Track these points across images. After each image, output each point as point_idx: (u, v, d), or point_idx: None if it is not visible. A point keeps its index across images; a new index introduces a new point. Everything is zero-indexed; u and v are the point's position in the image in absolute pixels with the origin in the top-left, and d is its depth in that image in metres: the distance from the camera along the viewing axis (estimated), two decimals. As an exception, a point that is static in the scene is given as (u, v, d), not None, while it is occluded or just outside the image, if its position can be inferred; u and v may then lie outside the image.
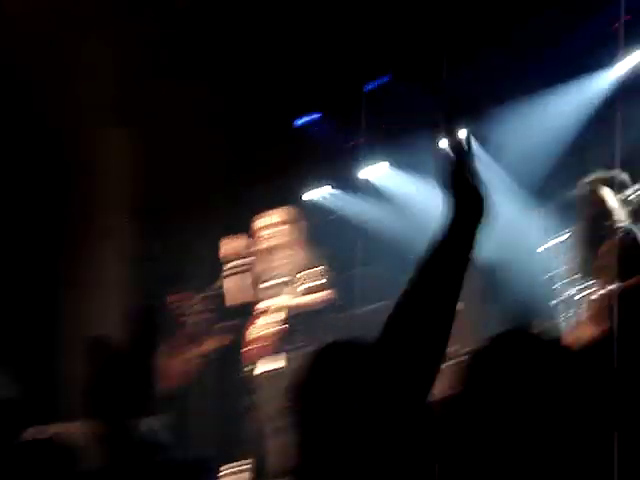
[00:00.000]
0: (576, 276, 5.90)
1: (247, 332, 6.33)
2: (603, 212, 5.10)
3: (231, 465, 6.17)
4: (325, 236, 8.98)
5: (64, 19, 7.56)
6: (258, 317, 6.26)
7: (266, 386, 6.17)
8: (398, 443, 1.42)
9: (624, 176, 5.18)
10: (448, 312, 1.48)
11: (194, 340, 7.49)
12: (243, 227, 6.64)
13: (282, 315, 6.11)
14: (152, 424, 1.55)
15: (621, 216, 5.06)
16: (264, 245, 6.31)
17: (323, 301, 6.22)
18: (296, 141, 9.00)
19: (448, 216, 1.72)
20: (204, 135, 8.96)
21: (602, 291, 4.99)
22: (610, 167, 5.23)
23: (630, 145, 5.24)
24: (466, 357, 1.36)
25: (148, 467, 1.34)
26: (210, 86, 8.18)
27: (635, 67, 6.82)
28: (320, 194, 9.64)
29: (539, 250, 6.60)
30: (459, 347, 6.35)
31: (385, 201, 9.15)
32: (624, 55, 6.79)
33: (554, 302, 6.25)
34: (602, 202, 5.10)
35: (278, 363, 6.09)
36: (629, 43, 6.41)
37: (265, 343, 6.18)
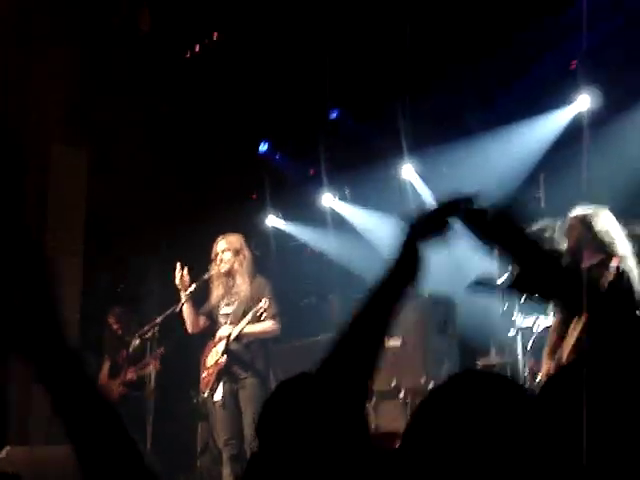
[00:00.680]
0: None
1: (203, 359, 6.30)
2: (579, 248, 5.15)
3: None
4: (280, 264, 9.00)
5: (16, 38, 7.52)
6: (213, 345, 6.23)
7: (217, 414, 6.15)
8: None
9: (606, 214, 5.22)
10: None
11: (135, 363, 7.44)
12: (198, 252, 6.62)
13: (230, 344, 6.07)
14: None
15: (623, 251, 5.09)
16: (216, 272, 6.28)
17: (270, 331, 6.19)
18: (257, 168, 9.02)
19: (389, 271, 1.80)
20: (162, 158, 8.94)
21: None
22: (573, 202, 5.29)
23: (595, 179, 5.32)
24: (423, 394, 1.36)
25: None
26: (169, 111, 8.17)
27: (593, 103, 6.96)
28: (279, 221, 9.66)
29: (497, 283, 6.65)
30: (415, 378, 6.44)
31: (341, 230, 9.19)
32: (583, 91, 6.92)
33: (511, 333, 6.31)
34: (578, 238, 5.14)
35: (221, 393, 6.07)
36: (586, 80, 6.55)
37: (214, 371, 6.15)
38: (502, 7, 6.87)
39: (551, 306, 6.05)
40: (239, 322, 6.13)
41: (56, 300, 1.29)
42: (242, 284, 6.25)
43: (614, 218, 5.21)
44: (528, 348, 6.02)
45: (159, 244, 9.39)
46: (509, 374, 6.31)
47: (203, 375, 6.28)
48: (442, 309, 6.67)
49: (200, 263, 6.44)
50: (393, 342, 6.60)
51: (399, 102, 7.55)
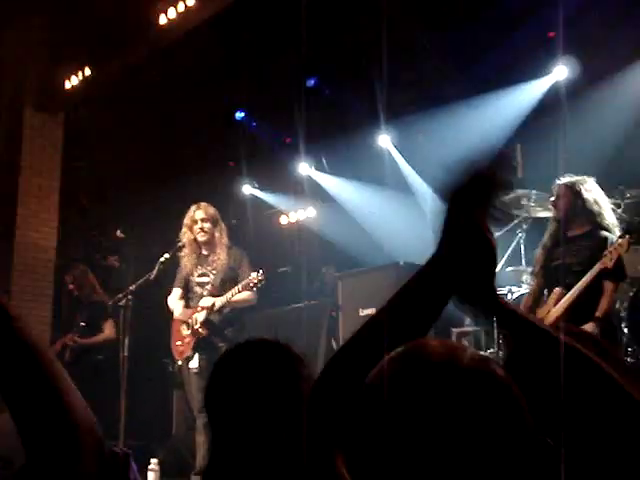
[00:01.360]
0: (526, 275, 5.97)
1: (177, 329, 6.29)
2: (568, 216, 5.16)
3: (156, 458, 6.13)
4: (255, 232, 8.98)
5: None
6: (191, 313, 6.22)
7: (193, 382, 6.16)
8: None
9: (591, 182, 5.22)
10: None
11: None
12: (175, 220, 6.57)
13: (206, 314, 6.07)
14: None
15: (610, 220, 5.10)
16: (188, 239, 6.25)
17: (249, 300, 6.19)
18: (233, 136, 8.96)
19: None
20: (138, 126, 8.87)
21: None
22: (554, 173, 5.29)
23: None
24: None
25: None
26: (145, 77, 8.07)
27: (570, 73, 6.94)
28: (255, 190, 9.64)
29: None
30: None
31: (317, 198, 9.18)
32: (561, 60, 6.91)
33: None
34: (567, 207, 5.14)
35: (197, 361, 6.09)
36: (564, 50, 6.53)
37: (191, 340, 6.15)
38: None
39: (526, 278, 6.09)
40: (218, 292, 6.12)
41: None
42: (221, 253, 6.23)
43: (599, 188, 5.23)
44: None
45: (135, 211, 9.35)
46: (484, 341, 6.36)
47: (178, 343, 6.28)
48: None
49: (177, 231, 6.40)
50: (367, 311, 6.62)
51: (376, 70, 7.50)
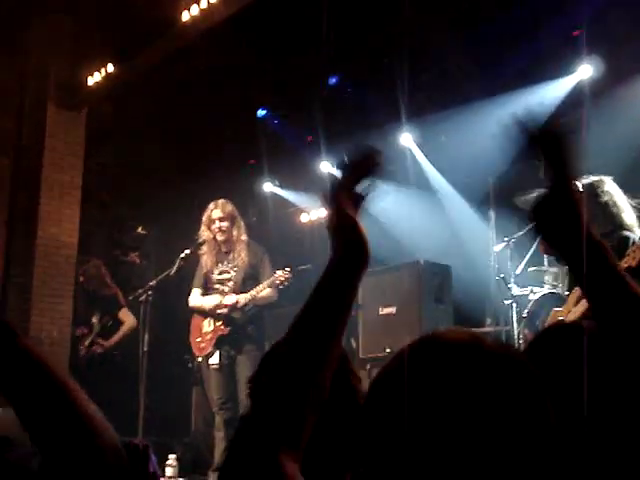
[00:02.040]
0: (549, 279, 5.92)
1: (198, 325, 6.30)
2: (588, 218, 5.08)
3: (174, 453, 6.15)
4: (276, 230, 8.98)
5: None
6: (209, 312, 6.23)
7: (213, 378, 6.17)
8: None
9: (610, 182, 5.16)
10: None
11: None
12: (196, 218, 6.58)
13: (229, 311, 6.08)
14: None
15: (630, 220, 5.04)
16: (207, 237, 6.26)
17: (271, 298, 6.20)
18: (255, 134, 8.96)
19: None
20: (160, 124, 8.89)
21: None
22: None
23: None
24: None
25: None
26: (167, 75, 8.09)
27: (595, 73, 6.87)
28: (276, 187, 9.63)
29: (492, 251, 6.64)
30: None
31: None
32: (585, 59, 6.84)
33: (507, 301, 6.29)
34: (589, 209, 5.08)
35: (217, 358, 6.10)
36: (589, 48, 6.47)
37: (213, 337, 6.16)
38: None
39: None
40: (239, 289, 6.13)
41: None
42: (241, 251, 6.24)
43: (618, 187, 5.18)
44: (523, 316, 6.02)
45: (156, 208, 9.38)
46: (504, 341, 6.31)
47: (198, 339, 6.29)
48: (437, 277, 6.65)
49: (198, 227, 6.41)
50: (388, 309, 6.59)
51: (398, 69, 7.47)
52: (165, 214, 9.32)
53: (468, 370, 1.04)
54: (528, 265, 6.41)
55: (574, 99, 6.96)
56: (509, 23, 7.01)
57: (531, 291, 6.12)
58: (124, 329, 7.42)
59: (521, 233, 6.54)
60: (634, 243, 4.95)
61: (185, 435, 7.69)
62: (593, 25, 6.31)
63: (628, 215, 5.10)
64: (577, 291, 5.03)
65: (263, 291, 6.13)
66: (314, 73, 8.10)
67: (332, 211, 1.48)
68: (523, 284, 6.29)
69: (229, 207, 6.30)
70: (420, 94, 7.74)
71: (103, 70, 7.75)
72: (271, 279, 6.08)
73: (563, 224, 1.47)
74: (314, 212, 9.49)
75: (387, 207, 8.64)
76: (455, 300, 6.80)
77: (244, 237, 6.30)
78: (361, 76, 8.43)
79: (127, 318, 7.43)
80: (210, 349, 6.17)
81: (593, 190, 5.12)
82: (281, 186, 9.59)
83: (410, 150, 8.55)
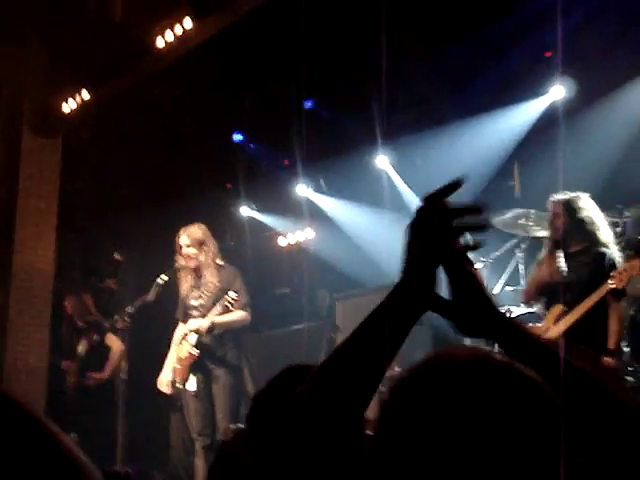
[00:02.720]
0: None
1: (177, 350, 6.28)
2: (564, 234, 5.11)
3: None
4: (254, 254, 8.96)
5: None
6: (184, 336, 6.21)
7: (191, 404, 6.13)
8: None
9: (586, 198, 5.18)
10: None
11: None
12: (172, 242, 6.56)
13: (202, 336, 6.05)
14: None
15: (606, 237, 5.06)
16: (181, 264, 6.24)
17: (240, 321, 6.17)
18: (231, 158, 8.97)
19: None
20: (135, 148, 8.87)
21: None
22: (552, 192, 5.25)
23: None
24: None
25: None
26: (143, 99, 8.09)
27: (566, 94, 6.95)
28: (253, 211, 9.63)
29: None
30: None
31: (315, 220, 9.17)
32: (557, 80, 6.92)
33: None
34: (563, 224, 5.09)
35: (194, 383, 6.06)
36: (561, 70, 6.55)
37: (187, 363, 6.12)
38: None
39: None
40: (209, 313, 6.10)
41: None
42: (209, 276, 6.21)
43: (594, 204, 5.21)
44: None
45: (132, 233, 9.34)
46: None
47: (176, 366, 6.25)
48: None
49: (175, 254, 6.39)
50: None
51: (374, 92, 7.52)
52: (141, 239, 9.29)
53: (478, 385, 1.05)
54: (506, 285, 6.44)
55: (548, 119, 7.03)
56: (483, 44, 7.09)
57: (509, 310, 6.14)
58: (114, 357, 7.34)
59: (498, 253, 6.58)
60: (610, 260, 4.98)
61: (165, 462, 7.62)
62: (565, 47, 6.38)
63: (604, 232, 5.14)
64: (556, 309, 5.05)
65: (230, 314, 6.09)
66: (290, 97, 8.13)
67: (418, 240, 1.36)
68: (501, 304, 6.31)
69: (197, 233, 6.26)
70: (395, 117, 7.79)
71: (78, 96, 7.74)
72: (220, 302, 6.04)
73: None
74: (291, 236, 9.50)
75: (364, 230, 8.67)
76: (433, 321, 6.81)
77: (212, 261, 6.26)
78: (337, 99, 8.48)
79: (114, 342, 7.38)
80: (186, 375, 6.13)
81: (570, 206, 5.16)
82: (258, 210, 9.59)
83: (386, 172, 8.58)
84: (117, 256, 9.72)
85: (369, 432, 1.39)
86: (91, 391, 7.32)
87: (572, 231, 5.17)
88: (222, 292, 6.13)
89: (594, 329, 4.85)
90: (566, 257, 5.13)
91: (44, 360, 7.63)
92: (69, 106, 7.81)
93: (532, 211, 6.18)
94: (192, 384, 6.10)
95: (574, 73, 6.77)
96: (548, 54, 6.83)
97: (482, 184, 7.35)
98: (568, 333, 4.86)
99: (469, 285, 1.37)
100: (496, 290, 6.44)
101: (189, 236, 6.22)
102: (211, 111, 8.47)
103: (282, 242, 9.68)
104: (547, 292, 5.27)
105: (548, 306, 5.21)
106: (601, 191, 6.37)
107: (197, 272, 6.27)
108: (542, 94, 7.23)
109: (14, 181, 7.95)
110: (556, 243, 5.19)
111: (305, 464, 1.27)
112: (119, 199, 9.13)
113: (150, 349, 7.47)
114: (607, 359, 4.75)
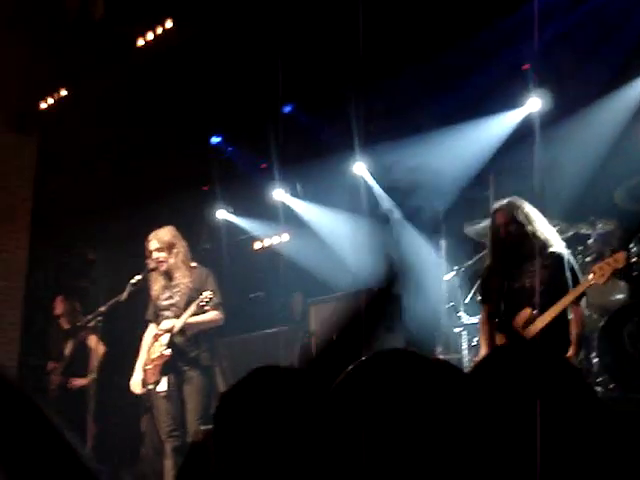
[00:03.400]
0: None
1: (148, 351, 6.25)
2: (510, 240, 5.10)
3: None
4: (229, 257, 8.96)
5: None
6: (156, 337, 6.19)
7: (161, 405, 6.11)
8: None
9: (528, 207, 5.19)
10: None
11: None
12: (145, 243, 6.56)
13: (174, 336, 6.04)
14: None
15: (554, 237, 5.06)
16: (153, 266, 6.23)
17: (213, 321, 6.17)
18: (208, 160, 8.96)
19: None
20: (112, 148, 8.85)
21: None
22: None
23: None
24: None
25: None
26: (121, 99, 8.07)
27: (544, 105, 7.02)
28: (229, 214, 9.62)
29: (442, 279, 6.71)
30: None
31: (291, 224, 9.18)
32: (534, 92, 6.98)
33: (458, 329, 6.35)
34: (507, 229, 5.09)
35: (165, 385, 6.05)
36: (537, 82, 6.62)
37: (158, 363, 6.11)
38: (455, 5, 6.91)
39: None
40: (182, 314, 6.09)
41: None
42: (181, 277, 6.21)
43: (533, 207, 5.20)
44: (473, 344, 6.07)
45: (107, 233, 9.30)
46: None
47: (147, 367, 6.23)
48: (388, 305, 6.68)
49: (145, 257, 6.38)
50: (340, 337, 6.60)
51: (352, 98, 7.56)
52: (115, 240, 9.25)
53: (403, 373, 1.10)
54: (477, 294, 6.47)
55: (523, 131, 7.09)
56: (461, 55, 7.15)
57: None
58: (95, 360, 7.28)
59: (470, 262, 6.62)
60: (566, 258, 4.98)
61: (134, 464, 7.59)
62: (541, 59, 6.47)
63: (546, 230, 5.15)
64: (527, 312, 4.97)
65: (203, 315, 6.09)
66: (268, 101, 8.14)
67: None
68: (473, 312, 6.36)
69: (166, 236, 6.26)
70: (373, 123, 7.83)
71: (56, 94, 7.71)
72: (194, 304, 6.05)
73: None
74: (267, 240, 9.50)
75: (339, 235, 8.69)
76: (406, 329, 6.84)
77: (182, 263, 6.25)
78: (315, 105, 8.50)
79: (96, 345, 7.33)
80: (157, 376, 6.11)
81: (509, 212, 5.15)
82: (235, 213, 9.58)
83: (363, 178, 8.62)
84: (91, 256, 9.68)
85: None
86: (71, 393, 7.29)
87: (516, 236, 5.15)
88: (194, 292, 6.13)
89: (557, 333, 4.85)
90: (521, 261, 5.11)
91: (14, 359, 7.59)
92: (47, 103, 7.78)
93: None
94: (163, 385, 6.08)
95: (550, 86, 6.85)
96: (525, 67, 6.91)
97: (457, 193, 7.41)
98: (541, 335, 4.83)
99: None
100: (468, 299, 6.48)
101: (158, 240, 6.23)
102: (189, 113, 8.46)
103: (257, 246, 9.68)
104: (508, 299, 5.20)
105: (511, 312, 5.14)
106: (574, 203, 6.45)
107: (168, 274, 6.27)
108: (519, 106, 7.30)
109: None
110: (503, 248, 5.17)
111: (270, 462, 1.30)
112: (95, 199, 9.09)
113: (121, 349, 7.45)
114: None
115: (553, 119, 6.88)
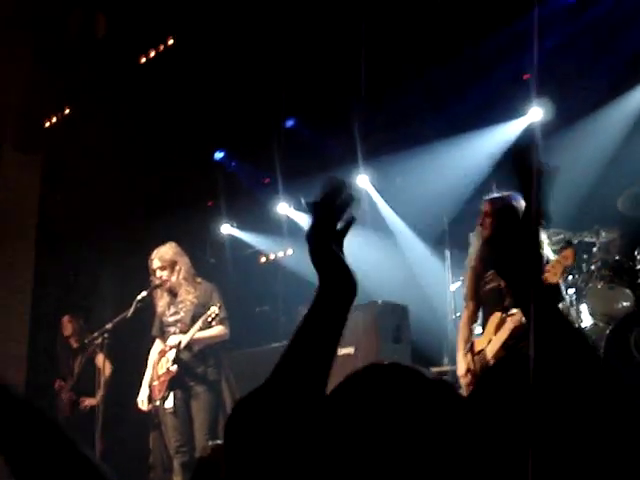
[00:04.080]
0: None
1: (154, 368, 6.25)
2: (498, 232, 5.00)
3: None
4: (234, 272, 8.97)
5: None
6: (162, 353, 6.20)
7: (169, 422, 6.11)
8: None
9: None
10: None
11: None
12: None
13: (180, 352, 6.04)
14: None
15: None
16: (159, 282, 6.24)
17: (219, 336, 6.17)
18: (212, 175, 8.99)
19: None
20: (116, 165, 8.87)
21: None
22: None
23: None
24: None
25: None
26: (125, 117, 8.11)
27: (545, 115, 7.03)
28: (233, 229, 9.63)
29: (448, 290, 6.71)
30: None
31: (296, 238, 9.19)
32: (535, 102, 7.00)
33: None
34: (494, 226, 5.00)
35: (171, 401, 6.05)
36: (539, 92, 6.63)
37: (165, 379, 6.11)
38: (456, 16, 6.94)
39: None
40: (188, 329, 6.10)
41: None
42: (185, 293, 6.22)
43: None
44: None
45: (113, 250, 9.31)
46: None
47: (154, 383, 6.23)
48: (395, 317, 6.69)
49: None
50: (346, 350, 6.60)
51: (354, 111, 7.58)
52: (121, 257, 9.27)
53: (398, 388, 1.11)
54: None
55: (525, 141, 7.10)
56: (462, 66, 7.18)
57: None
58: (103, 379, 7.26)
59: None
60: (545, 257, 4.94)
61: (143, 480, 7.57)
62: (543, 69, 6.47)
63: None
64: (497, 316, 4.91)
65: (209, 330, 6.09)
66: (271, 115, 8.17)
67: (315, 248, 1.54)
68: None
69: (168, 254, 6.27)
70: (376, 136, 7.85)
71: (59, 113, 7.75)
72: (203, 317, 6.05)
73: (521, 262, 1.48)
74: (272, 254, 9.51)
75: (344, 248, 8.69)
76: (413, 340, 6.84)
77: (185, 279, 6.26)
78: (317, 118, 8.53)
79: (104, 364, 7.32)
80: (165, 392, 6.12)
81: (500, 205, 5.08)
82: (239, 228, 9.60)
83: (366, 191, 8.63)
84: (97, 272, 9.69)
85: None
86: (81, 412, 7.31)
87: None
88: (200, 308, 6.14)
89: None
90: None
91: (22, 377, 7.58)
92: (51, 122, 7.82)
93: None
94: (170, 401, 6.08)
95: (552, 95, 6.86)
96: (526, 76, 6.93)
97: (460, 204, 7.41)
98: (510, 338, 4.75)
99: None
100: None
101: (160, 259, 6.25)
102: (192, 129, 8.50)
103: (262, 260, 9.69)
104: (485, 298, 5.14)
105: (487, 313, 5.10)
106: (578, 211, 6.46)
107: (172, 291, 6.28)
108: (520, 115, 7.32)
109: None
110: (487, 244, 5.09)
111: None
112: (100, 215, 9.11)
113: (128, 366, 7.45)
114: None
115: (555, 128, 6.90)
